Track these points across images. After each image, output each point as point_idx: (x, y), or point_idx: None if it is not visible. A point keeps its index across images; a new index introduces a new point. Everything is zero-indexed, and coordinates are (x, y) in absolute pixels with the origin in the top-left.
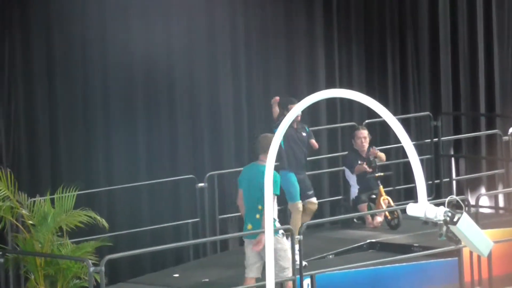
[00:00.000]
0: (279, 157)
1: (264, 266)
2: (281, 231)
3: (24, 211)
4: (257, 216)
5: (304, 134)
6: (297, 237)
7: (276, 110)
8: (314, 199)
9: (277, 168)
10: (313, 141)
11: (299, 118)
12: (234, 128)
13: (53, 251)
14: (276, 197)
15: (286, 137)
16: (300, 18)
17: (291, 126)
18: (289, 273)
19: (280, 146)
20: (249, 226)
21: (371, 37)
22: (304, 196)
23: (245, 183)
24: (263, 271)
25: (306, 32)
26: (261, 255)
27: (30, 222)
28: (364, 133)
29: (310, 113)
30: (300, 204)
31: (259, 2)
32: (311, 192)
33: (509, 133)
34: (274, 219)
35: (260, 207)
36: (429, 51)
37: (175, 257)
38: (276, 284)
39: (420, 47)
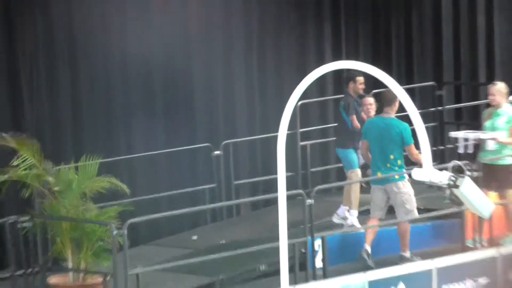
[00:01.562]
0: (343, 134)
1: (391, 198)
2: (406, 177)
3: (50, 178)
4: (388, 165)
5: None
6: (308, 201)
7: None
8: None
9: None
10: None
11: (362, 92)
12: (246, 100)
13: (78, 216)
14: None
15: (352, 109)
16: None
17: (353, 98)
18: (415, 214)
19: (345, 124)
20: (379, 174)
21: (378, 10)
22: None
23: (372, 134)
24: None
25: (314, 11)
26: (387, 199)
27: (56, 188)
28: (370, 100)
29: (317, 86)
30: (357, 172)
31: None
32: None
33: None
34: (401, 166)
35: (392, 156)
36: (432, 21)
37: (192, 221)
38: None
39: (423, 18)
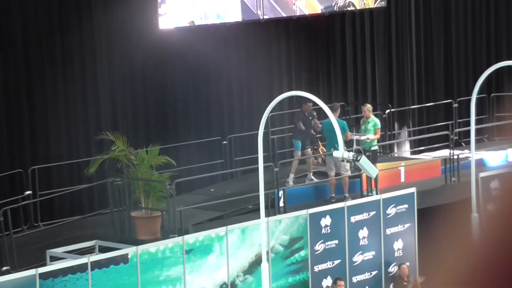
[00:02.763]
0: (295, 132)
1: (337, 165)
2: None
3: (132, 157)
4: (337, 145)
5: (310, 118)
6: (275, 169)
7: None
8: (308, 150)
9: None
10: (316, 120)
11: (310, 108)
12: (241, 109)
13: (147, 177)
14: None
15: (300, 119)
16: (274, 58)
17: (304, 113)
18: (348, 173)
19: (296, 125)
20: (332, 150)
21: (312, 64)
22: (304, 148)
23: (327, 129)
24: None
25: (278, 65)
26: (335, 163)
27: (135, 162)
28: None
29: (278, 105)
30: (299, 153)
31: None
32: (308, 147)
33: (386, 113)
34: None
35: (336, 145)
36: (341, 70)
37: (210, 180)
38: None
39: (337, 69)
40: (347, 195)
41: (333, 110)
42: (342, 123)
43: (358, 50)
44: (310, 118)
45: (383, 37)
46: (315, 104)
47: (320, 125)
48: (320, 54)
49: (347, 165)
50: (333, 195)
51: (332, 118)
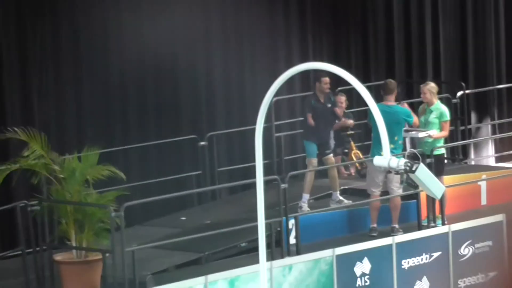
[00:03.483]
0: (306, 128)
1: (388, 178)
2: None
3: (56, 167)
4: (391, 145)
5: (329, 105)
6: (282, 185)
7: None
8: (330, 156)
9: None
10: (337, 109)
11: (327, 87)
12: (225, 97)
13: (81, 200)
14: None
15: (310, 108)
16: (279, 13)
17: (316, 97)
18: (400, 191)
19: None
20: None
21: (339, 21)
22: (323, 154)
23: (374, 120)
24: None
25: (285, 24)
26: (384, 178)
27: (61, 176)
28: (342, 98)
29: (286, 85)
30: (314, 161)
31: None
32: (329, 151)
33: (457, 96)
34: (401, 146)
35: (396, 137)
36: (385, 30)
37: (181, 203)
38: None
39: (378, 27)
40: (396, 226)
41: (387, 91)
42: (403, 111)
43: (413, 4)
44: (329, 105)
45: None
46: (346, 82)
47: (350, 121)
48: (351, 12)
49: (398, 179)
50: (375, 225)
51: (372, 104)
